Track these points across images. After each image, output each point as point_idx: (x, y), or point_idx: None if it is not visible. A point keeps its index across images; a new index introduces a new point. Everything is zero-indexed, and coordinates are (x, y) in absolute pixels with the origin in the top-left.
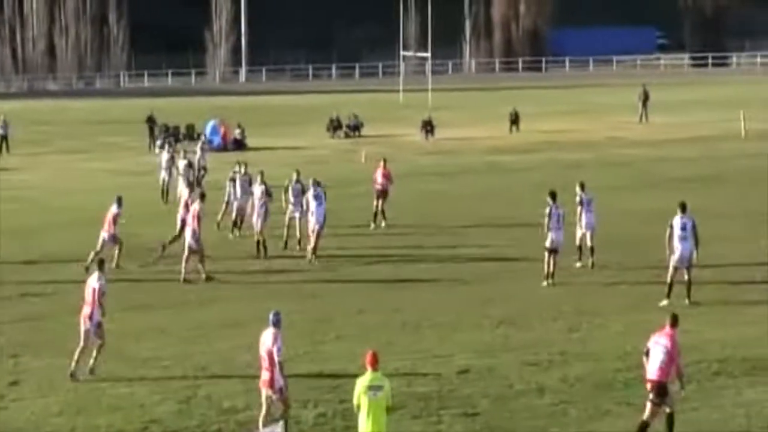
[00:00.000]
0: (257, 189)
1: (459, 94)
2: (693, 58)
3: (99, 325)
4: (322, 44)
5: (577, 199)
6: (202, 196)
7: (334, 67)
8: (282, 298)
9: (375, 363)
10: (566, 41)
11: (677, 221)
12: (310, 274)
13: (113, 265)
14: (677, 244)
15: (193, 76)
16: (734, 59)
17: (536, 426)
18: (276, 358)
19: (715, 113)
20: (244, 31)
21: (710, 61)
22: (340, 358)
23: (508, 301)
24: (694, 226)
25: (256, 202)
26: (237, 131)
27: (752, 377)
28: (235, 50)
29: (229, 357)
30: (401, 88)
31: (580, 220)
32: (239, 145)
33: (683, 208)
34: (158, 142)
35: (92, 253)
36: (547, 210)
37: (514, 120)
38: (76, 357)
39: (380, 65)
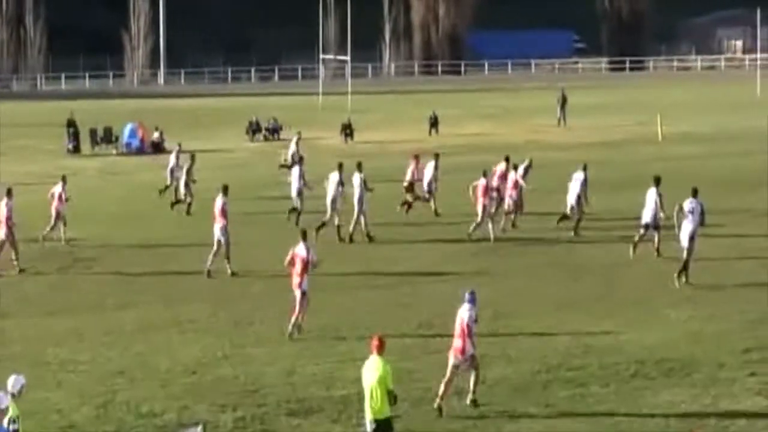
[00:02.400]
0: (334, 177)
1: (378, 97)
2: (610, 62)
3: (304, 294)
4: (241, 47)
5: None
6: (225, 190)
7: (253, 69)
8: (202, 300)
9: (378, 348)
10: (485, 44)
11: (687, 204)
12: (229, 278)
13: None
14: (684, 226)
15: (111, 79)
16: (651, 63)
17: (455, 428)
18: (466, 322)
19: (632, 117)
20: (162, 33)
21: (627, 64)
22: (260, 361)
23: (427, 304)
24: (702, 211)
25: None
26: (155, 134)
27: (669, 379)
28: (154, 52)
29: (146, 361)
30: (320, 91)
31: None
32: (157, 148)
33: (694, 192)
34: (69, 146)
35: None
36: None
37: (434, 123)
38: (292, 321)
39: (299, 68)
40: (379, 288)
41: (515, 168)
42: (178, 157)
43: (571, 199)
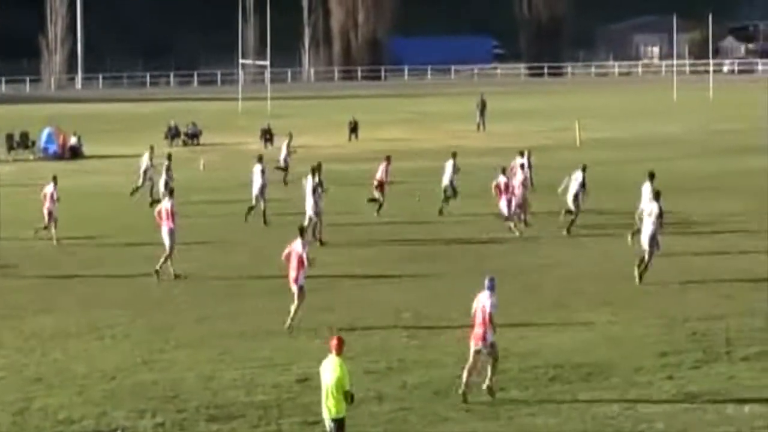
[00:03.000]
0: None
1: (298, 103)
2: (529, 68)
3: (301, 288)
4: (160, 51)
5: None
6: (171, 192)
7: (172, 74)
8: (121, 305)
9: (337, 348)
10: (405, 50)
11: (646, 206)
12: (150, 283)
13: None
14: (644, 227)
15: (27, 83)
16: (569, 69)
17: None
18: (488, 311)
19: (551, 122)
20: (80, 37)
21: (546, 70)
22: (179, 366)
23: (348, 308)
24: (660, 214)
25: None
26: (73, 139)
27: (587, 382)
28: (71, 57)
29: (64, 367)
30: (240, 96)
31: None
32: (76, 153)
33: (656, 195)
34: None
35: None
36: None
37: (353, 128)
38: (292, 314)
39: (219, 73)
40: None
41: (522, 167)
42: (151, 159)
43: (569, 198)
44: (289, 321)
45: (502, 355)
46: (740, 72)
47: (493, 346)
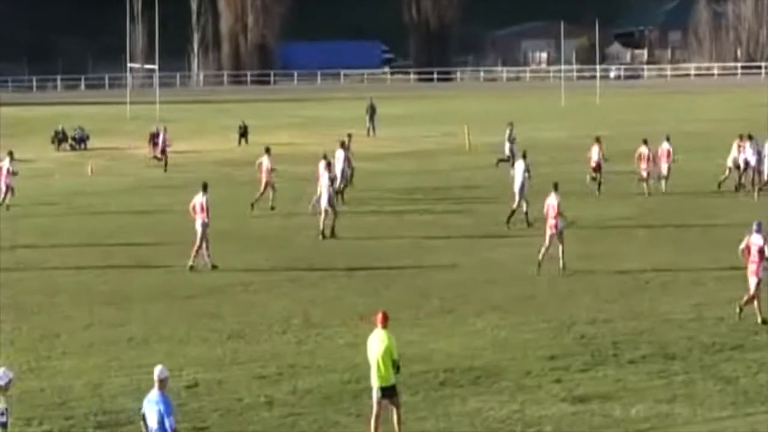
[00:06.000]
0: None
1: (187, 107)
2: (419, 73)
3: (561, 233)
4: (46, 55)
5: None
6: (205, 188)
7: (59, 78)
8: (5, 312)
9: (383, 321)
10: (294, 55)
11: None
12: (32, 288)
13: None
14: None
15: None
16: (458, 74)
17: None
18: (759, 246)
19: (440, 127)
20: None
21: (435, 75)
22: (66, 374)
23: (238, 314)
24: None
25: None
26: None
27: (477, 386)
28: None
29: None
30: (128, 100)
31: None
32: None
33: None
34: None
35: None
36: None
37: (243, 133)
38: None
39: (107, 77)
40: (189, 298)
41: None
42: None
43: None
44: (540, 256)
45: None
46: (627, 78)
47: (761, 280)
